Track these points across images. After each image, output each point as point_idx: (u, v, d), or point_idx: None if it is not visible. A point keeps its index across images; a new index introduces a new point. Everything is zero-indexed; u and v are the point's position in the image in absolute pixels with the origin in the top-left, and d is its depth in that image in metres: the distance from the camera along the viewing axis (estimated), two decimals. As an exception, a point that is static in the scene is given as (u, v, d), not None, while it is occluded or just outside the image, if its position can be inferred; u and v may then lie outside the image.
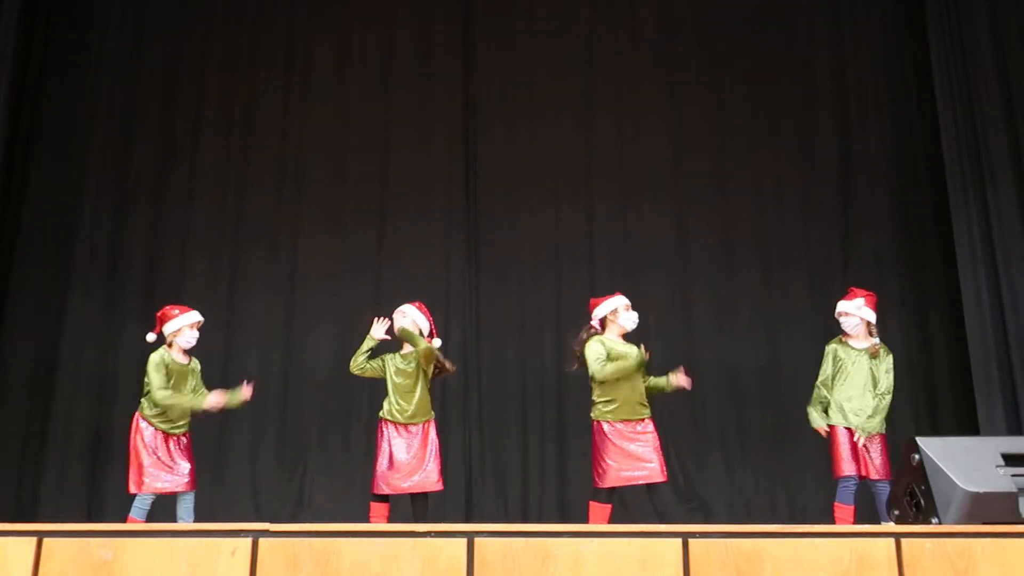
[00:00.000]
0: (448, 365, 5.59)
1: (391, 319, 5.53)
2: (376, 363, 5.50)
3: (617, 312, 5.47)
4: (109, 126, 7.77)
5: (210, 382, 5.48)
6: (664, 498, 5.32)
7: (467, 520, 6.81)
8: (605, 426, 5.35)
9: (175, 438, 5.23)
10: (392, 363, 5.48)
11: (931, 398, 7.29)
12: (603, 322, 5.50)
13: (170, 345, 5.30)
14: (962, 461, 3.71)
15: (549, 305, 7.53)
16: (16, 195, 7.52)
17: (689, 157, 7.79)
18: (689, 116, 7.86)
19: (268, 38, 7.99)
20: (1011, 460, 3.72)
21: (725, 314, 7.49)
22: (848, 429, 5.46)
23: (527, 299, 7.56)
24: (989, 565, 2.98)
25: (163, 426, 5.21)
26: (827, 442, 5.56)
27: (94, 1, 7.95)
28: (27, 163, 7.61)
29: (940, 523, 3.63)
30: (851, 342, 5.63)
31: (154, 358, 5.22)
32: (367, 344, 5.45)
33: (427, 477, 5.32)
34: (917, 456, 3.83)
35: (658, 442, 5.35)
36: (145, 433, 5.18)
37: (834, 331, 5.75)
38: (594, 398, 5.43)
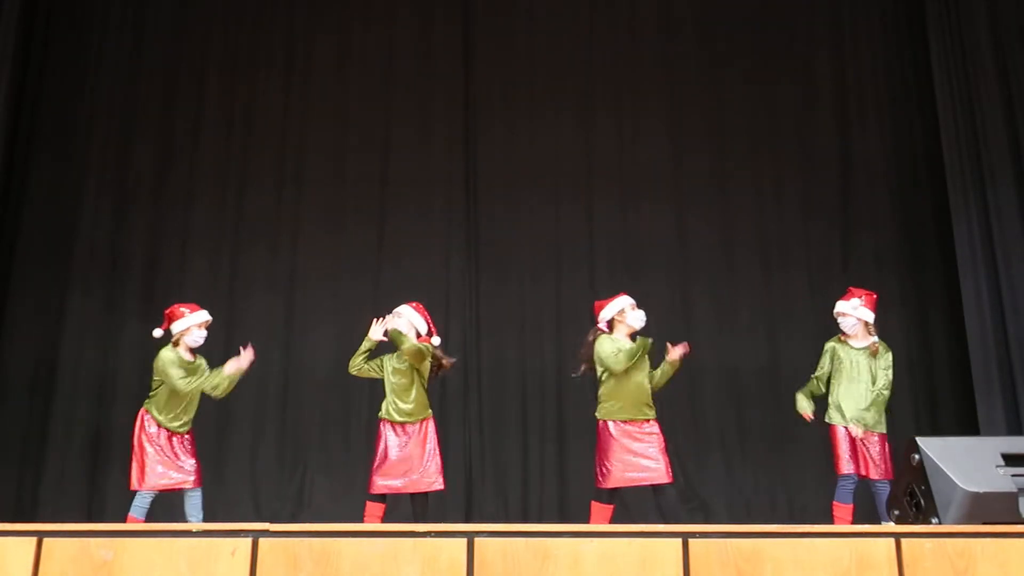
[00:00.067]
0: (445, 362, 5.60)
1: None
2: (375, 364, 5.54)
3: (624, 312, 5.50)
4: (109, 126, 7.77)
5: (210, 382, 5.48)
6: (670, 499, 5.32)
7: (467, 520, 6.81)
8: (611, 425, 5.35)
9: (179, 436, 5.29)
10: (389, 363, 5.52)
11: (931, 398, 7.29)
12: (610, 324, 5.52)
13: (176, 343, 5.33)
14: (962, 461, 3.71)
15: (549, 305, 7.53)
16: (16, 195, 7.52)
17: (689, 157, 7.79)
18: (689, 116, 7.86)
19: (268, 38, 7.99)
20: (1011, 460, 3.72)
21: (725, 314, 7.49)
22: (847, 428, 5.47)
23: (527, 299, 7.56)
24: (989, 565, 2.98)
25: (167, 424, 5.24)
26: (828, 442, 5.58)
27: (94, 1, 7.95)
28: (27, 163, 7.60)
29: (940, 523, 3.63)
30: (850, 341, 5.64)
31: (166, 356, 5.27)
32: (365, 345, 5.50)
33: (423, 477, 5.32)
34: (917, 456, 3.83)
35: (663, 443, 5.35)
36: (149, 429, 5.22)
37: (834, 331, 5.76)
38: (601, 398, 5.43)
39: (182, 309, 5.41)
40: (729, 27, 7.96)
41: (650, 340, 5.44)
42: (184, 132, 7.80)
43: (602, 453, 5.35)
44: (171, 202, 7.66)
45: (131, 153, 7.74)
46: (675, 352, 5.50)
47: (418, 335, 5.52)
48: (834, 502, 5.45)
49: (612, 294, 5.80)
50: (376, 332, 5.48)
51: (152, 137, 7.76)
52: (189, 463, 5.25)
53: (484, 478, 7.17)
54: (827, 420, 5.58)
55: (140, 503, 5.18)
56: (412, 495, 5.35)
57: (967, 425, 6.87)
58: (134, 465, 5.22)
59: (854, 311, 5.62)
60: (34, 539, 2.93)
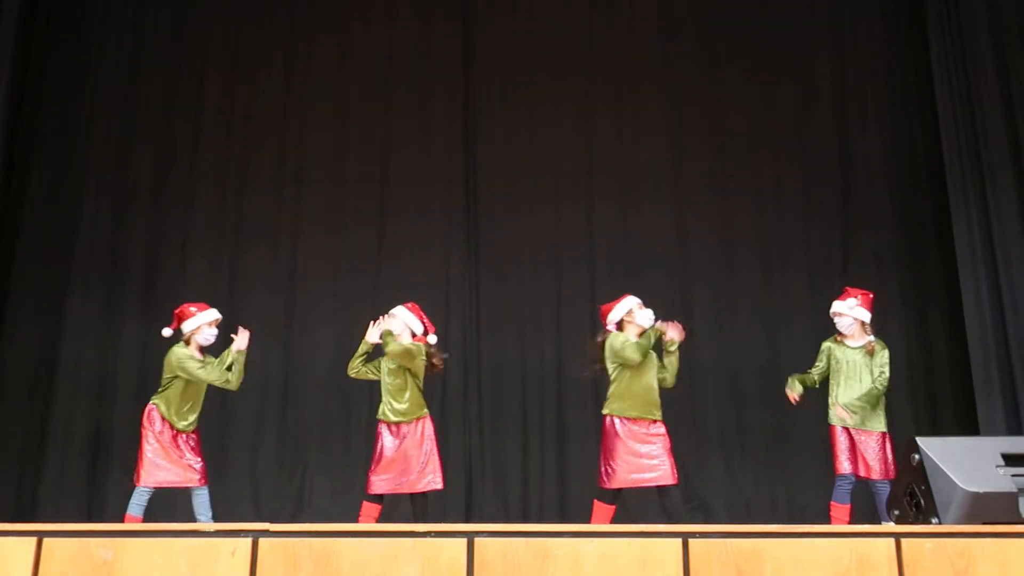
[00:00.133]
0: (436, 361, 5.59)
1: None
2: (372, 366, 5.59)
3: (633, 312, 5.52)
4: (109, 126, 7.77)
5: (210, 382, 5.49)
6: (675, 500, 5.31)
7: (467, 520, 6.81)
8: (617, 423, 5.33)
9: (184, 435, 5.31)
10: (385, 364, 5.54)
11: (931, 398, 7.29)
12: (619, 325, 5.52)
13: (187, 342, 5.38)
14: (962, 461, 3.71)
15: (549, 305, 7.53)
16: (16, 195, 7.52)
17: (689, 157, 7.79)
18: (689, 116, 7.86)
19: (268, 38, 7.99)
20: (1011, 460, 3.72)
21: (725, 314, 7.49)
22: (845, 429, 5.48)
23: (527, 299, 7.56)
24: (989, 565, 2.98)
25: (175, 421, 5.26)
26: (828, 442, 5.59)
27: (94, 1, 7.95)
28: (27, 163, 7.60)
29: (940, 523, 3.63)
30: (847, 341, 5.65)
31: (180, 351, 5.34)
32: (362, 348, 5.56)
33: (420, 476, 5.31)
34: (917, 456, 3.83)
35: (669, 444, 5.35)
36: (154, 426, 5.25)
37: (834, 331, 5.76)
38: (610, 396, 5.42)
39: (192, 308, 5.47)
40: (729, 27, 7.96)
41: (659, 326, 5.45)
42: (184, 132, 7.80)
43: (607, 452, 5.34)
44: (171, 202, 7.66)
45: (131, 153, 7.74)
46: (669, 332, 5.49)
47: (413, 335, 5.53)
48: (831, 502, 5.46)
49: (612, 294, 5.79)
50: (372, 334, 5.53)
51: (152, 137, 7.76)
52: (193, 461, 5.28)
53: (484, 478, 7.17)
54: (829, 421, 5.59)
55: (137, 500, 5.21)
56: (411, 495, 5.36)
57: (967, 425, 6.86)
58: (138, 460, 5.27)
59: (850, 311, 5.63)
60: (34, 539, 2.93)
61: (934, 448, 3.79)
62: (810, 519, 6.26)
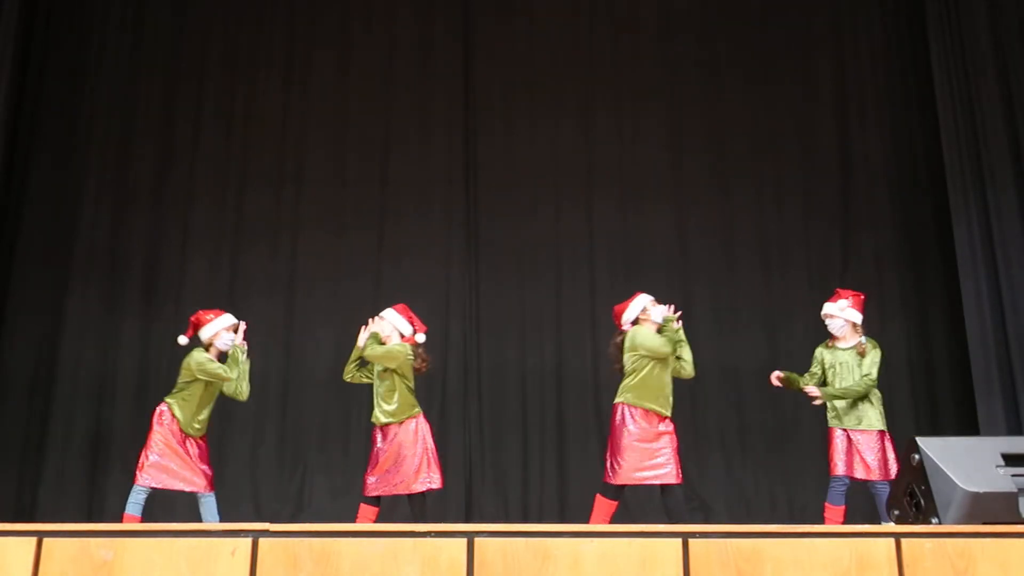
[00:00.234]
0: (418, 364, 5.55)
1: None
2: (366, 370, 5.61)
3: (647, 310, 5.54)
4: (109, 126, 7.77)
5: (210, 382, 5.48)
6: (677, 500, 5.32)
7: (467, 520, 6.81)
8: (627, 415, 5.31)
9: (192, 440, 5.29)
10: (375, 367, 5.53)
11: (931, 398, 7.28)
12: (635, 324, 5.52)
13: (207, 348, 5.39)
14: (962, 461, 3.70)
15: (549, 305, 7.53)
16: (16, 195, 7.52)
17: (689, 157, 7.79)
18: (689, 116, 7.86)
19: (268, 38, 7.99)
20: (1011, 460, 3.71)
21: (725, 314, 7.49)
22: (844, 430, 5.48)
23: (527, 299, 7.55)
24: (989, 565, 2.98)
25: (186, 425, 5.27)
26: (827, 442, 5.59)
27: (94, 1, 7.95)
28: (27, 163, 7.60)
29: (940, 523, 3.62)
30: (838, 344, 5.65)
31: (200, 355, 5.32)
32: (355, 354, 5.57)
33: (415, 476, 5.28)
34: (917, 456, 3.82)
35: (676, 443, 5.35)
36: (165, 426, 5.24)
37: (832, 332, 5.76)
38: (624, 388, 5.40)
39: (208, 315, 5.46)
40: (729, 27, 7.96)
41: (674, 321, 5.46)
42: (184, 132, 7.80)
43: (614, 448, 5.32)
44: (171, 202, 7.66)
45: (131, 153, 7.74)
46: (666, 314, 5.49)
47: (402, 336, 5.52)
48: (825, 503, 5.47)
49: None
50: (363, 339, 5.51)
51: (152, 137, 7.76)
52: (198, 467, 5.26)
53: (484, 478, 7.17)
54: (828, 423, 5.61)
55: (135, 499, 5.18)
56: (409, 496, 5.33)
57: (967, 425, 6.86)
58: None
59: (841, 312, 5.62)
60: (34, 539, 2.92)
61: (934, 448, 3.78)
62: (810, 519, 6.26)
